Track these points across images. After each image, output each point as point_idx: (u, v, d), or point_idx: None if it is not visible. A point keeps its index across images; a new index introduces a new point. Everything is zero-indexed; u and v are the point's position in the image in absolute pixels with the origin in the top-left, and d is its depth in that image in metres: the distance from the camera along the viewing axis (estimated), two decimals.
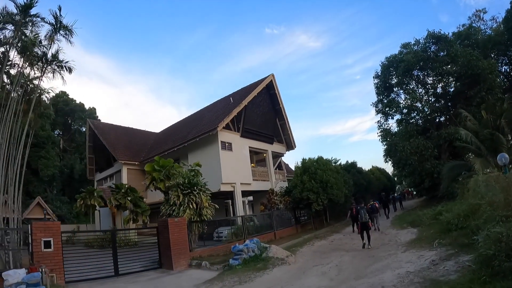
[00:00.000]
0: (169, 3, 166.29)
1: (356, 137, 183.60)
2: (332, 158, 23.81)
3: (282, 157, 34.04)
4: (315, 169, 19.78)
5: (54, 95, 52.35)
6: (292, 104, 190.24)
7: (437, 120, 24.68)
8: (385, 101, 24.37)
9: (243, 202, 29.78)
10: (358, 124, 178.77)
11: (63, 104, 51.23)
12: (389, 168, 66.25)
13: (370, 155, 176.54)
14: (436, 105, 23.07)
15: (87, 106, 54.84)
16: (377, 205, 17.26)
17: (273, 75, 23.70)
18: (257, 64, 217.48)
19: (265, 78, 23.33)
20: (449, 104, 23.25)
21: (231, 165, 19.79)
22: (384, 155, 26.02)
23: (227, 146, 20.22)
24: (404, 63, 21.75)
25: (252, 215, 21.16)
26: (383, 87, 24.51)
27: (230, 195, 21.91)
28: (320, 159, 21.01)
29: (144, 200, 22.27)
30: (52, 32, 13.56)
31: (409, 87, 23.13)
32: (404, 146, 20.73)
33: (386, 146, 24.43)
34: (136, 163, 25.32)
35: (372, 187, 33.03)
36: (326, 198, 19.24)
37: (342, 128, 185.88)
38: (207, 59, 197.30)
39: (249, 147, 22.25)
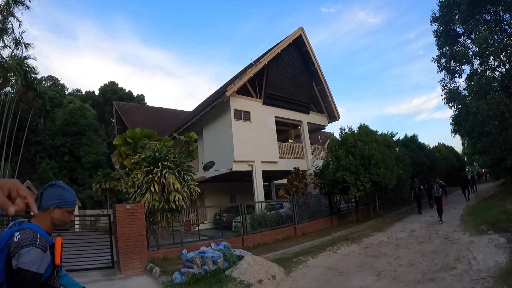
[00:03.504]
0: None
1: (422, 116, 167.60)
2: (388, 132, 18.66)
3: (325, 131, 29.72)
4: (354, 140, 15.00)
5: (103, 85, 54.58)
6: (355, 83, 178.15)
7: None
8: (449, 52, 18.04)
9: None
10: (424, 102, 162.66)
11: (111, 93, 52.65)
12: (458, 146, 56.01)
13: (438, 134, 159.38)
14: None
15: (135, 94, 55.76)
16: (443, 183, 13.99)
17: (302, 29, 18.93)
18: (316, 45, 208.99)
19: (292, 34, 18.75)
20: None
21: (249, 139, 15.98)
22: (451, 127, 19.46)
23: (244, 116, 16.42)
24: None
25: (272, 201, 17.29)
26: (445, 35, 18.17)
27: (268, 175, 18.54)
28: (362, 127, 16.07)
29: None
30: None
31: (479, 29, 16.33)
32: (479, 106, 14.48)
33: (454, 112, 17.98)
34: None
35: (438, 167, 26.57)
36: (368, 180, 14.19)
37: (408, 107, 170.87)
38: (266, 43, 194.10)
39: (276, 117, 18.05)
